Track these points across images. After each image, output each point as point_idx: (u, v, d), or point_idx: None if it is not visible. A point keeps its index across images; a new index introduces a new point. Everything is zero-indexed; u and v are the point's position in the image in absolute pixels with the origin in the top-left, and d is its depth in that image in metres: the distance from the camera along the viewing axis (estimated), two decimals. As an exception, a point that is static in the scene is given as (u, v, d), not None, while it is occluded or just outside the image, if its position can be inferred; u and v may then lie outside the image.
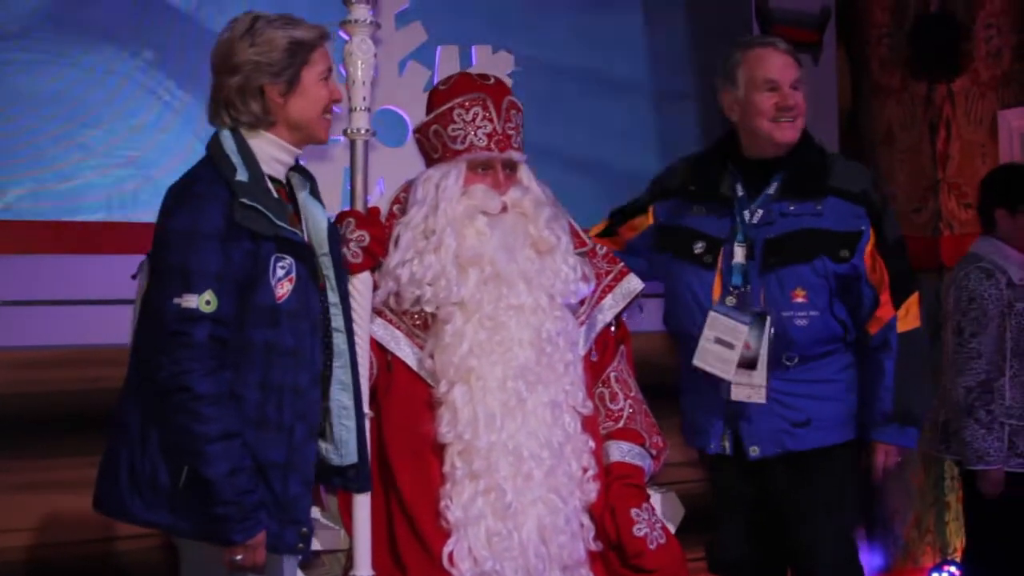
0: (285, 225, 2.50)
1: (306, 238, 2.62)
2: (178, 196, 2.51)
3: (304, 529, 2.55)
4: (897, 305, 3.26)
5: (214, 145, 2.56)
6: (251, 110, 2.55)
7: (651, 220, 3.44)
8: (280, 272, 2.50)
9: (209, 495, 2.40)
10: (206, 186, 2.48)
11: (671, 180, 3.45)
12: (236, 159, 2.50)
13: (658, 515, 2.93)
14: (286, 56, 2.54)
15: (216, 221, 2.43)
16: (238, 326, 2.46)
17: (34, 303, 3.78)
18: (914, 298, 3.30)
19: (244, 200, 2.44)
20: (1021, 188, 4.29)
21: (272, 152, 2.58)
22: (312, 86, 2.58)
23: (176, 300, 2.40)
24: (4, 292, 3.76)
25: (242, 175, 2.48)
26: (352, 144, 2.84)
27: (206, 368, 2.40)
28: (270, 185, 2.55)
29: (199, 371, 2.39)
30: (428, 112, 2.95)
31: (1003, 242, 4.26)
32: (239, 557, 2.43)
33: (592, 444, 2.84)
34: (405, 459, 2.79)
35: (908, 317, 3.27)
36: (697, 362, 3.21)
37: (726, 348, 3.18)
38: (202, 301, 2.40)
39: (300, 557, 2.66)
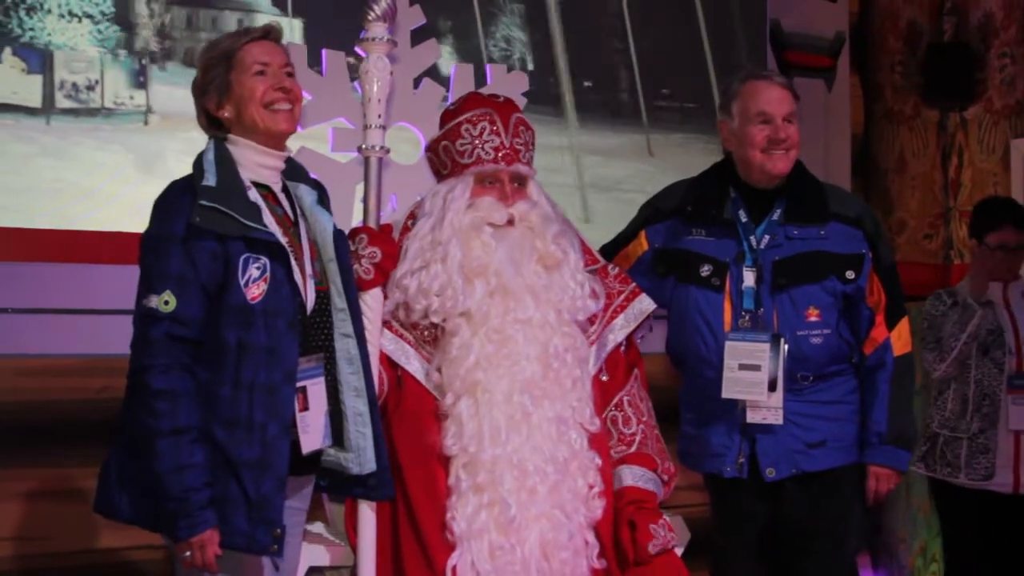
0: (255, 225, 2.55)
1: (306, 243, 2.67)
2: (154, 205, 2.62)
3: (277, 530, 2.55)
4: (891, 326, 3.32)
5: (198, 156, 2.65)
6: (212, 125, 2.69)
7: (645, 246, 3.45)
8: (255, 272, 2.55)
9: (157, 490, 2.46)
10: (175, 194, 2.59)
11: (666, 202, 3.46)
12: (210, 166, 2.59)
13: (674, 533, 2.91)
14: (210, 72, 2.67)
15: (178, 225, 2.52)
16: (212, 326, 2.52)
17: (40, 311, 3.80)
18: (905, 321, 3.37)
19: (203, 202, 2.52)
20: (982, 220, 4.41)
21: (252, 157, 2.66)
22: (243, 86, 2.65)
23: (143, 302, 2.52)
24: (10, 300, 3.77)
25: (210, 180, 2.57)
26: (366, 161, 2.87)
27: (161, 365, 2.48)
28: (252, 189, 2.62)
29: (154, 368, 2.48)
30: (440, 131, 2.96)
31: (974, 271, 4.40)
32: (187, 554, 2.48)
33: (599, 461, 2.83)
34: (414, 470, 2.79)
35: (901, 341, 3.34)
36: (727, 394, 3.22)
37: (752, 371, 3.19)
38: (160, 301, 2.50)
39: (280, 559, 2.65)
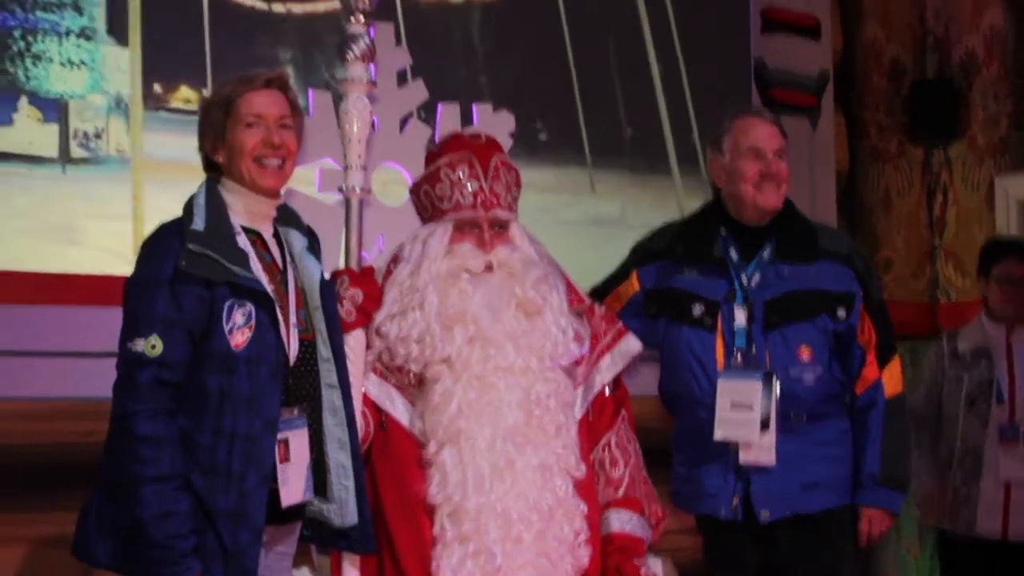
0: (242, 271, 2.54)
1: (292, 292, 2.66)
2: (142, 247, 2.61)
3: None
4: (882, 365, 3.33)
5: (189, 198, 2.65)
6: (209, 167, 2.70)
7: (636, 286, 3.45)
8: (240, 319, 2.54)
9: (140, 536, 2.43)
10: (163, 237, 2.58)
11: (657, 243, 3.48)
12: (199, 210, 2.59)
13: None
14: (210, 115, 2.67)
15: (166, 269, 2.50)
16: (194, 371, 2.50)
17: (28, 354, 3.77)
18: (896, 360, 3.38)
19: (190, 247, 2.51)
20: (987, 255, 4.47)
21: (243, 203, 2.66)
22: (235, 137, 2.65)
23: (128, 345, 2.49)
24: (-1, 342, 3.75)
25: (198, 224, 2.55)
26: (347, 201, 2.86)
27: (148, 410, 2.46)
28: (242, 235, 2.61)
29: (141, 413, 2.45)
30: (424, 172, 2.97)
31: (985, 310, 4.44)
32: None
33: (584, 508, 2.80)
34: (398, 519, 2.77)
35: (892, 380, 3.36)
36: (719, 435, 3.22)
37: (744, 411, 3.19)
38: (147, 345, 2.47)
39: None
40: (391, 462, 2.81)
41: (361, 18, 2.86)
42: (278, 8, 4.38)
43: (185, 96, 4.18)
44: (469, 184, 2.84)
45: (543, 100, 4.92)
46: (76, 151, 3.99)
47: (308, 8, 4.40)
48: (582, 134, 5.03)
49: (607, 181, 5.12)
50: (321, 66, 4.37)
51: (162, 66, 4.14)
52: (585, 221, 5.01)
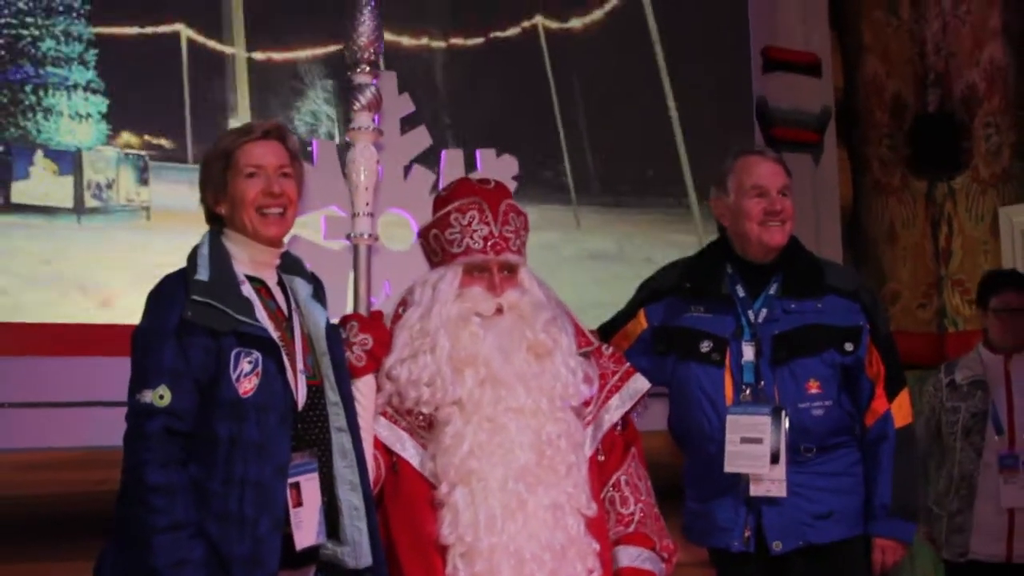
0: (247, 320, 2.56)
1: (298, 338, 2.68)
2: (148, 299, 2.62)
3: None
4: (891, 397, 3.34)
5: (193, 249, 2.67)
6: (211, 218, 2.72)
7: (644, 324, 3.47)
8: (247, 367, 2.55)
9: None
10: (168, 287, 2.59)
11: (664, 281, 3.50)
12: (203, 261, 2.61)
13: None
14: (210, 168, 2.70)
15: (171, 319, 2.52)
16: (204, 420, 2.51)
17: (38, 405, 3.79)
18: (905, 392, 3.39)
19: (195, 297, 2.53)
20: (985, 286, 4.55)
21: (246, 252, 2.68)
22: (236, 188, 2.68)
23: (137, 396, 2.50)
24: (8, 394, 3.77)
25: (202, 275, 2.57)
26: (355, 248, 2.89)
27: (158, 460, 2.46)
28: (246, 284, 2.63)
29: (151, 463, 2.46)
30: (432, 216, 2.99)
31: (984, 341, 4.51)
32: None
33: (596, 546, 2.80)
34: (411, 560, 2.77)
35: (902, 412, 3.36)
36: (730, 468, 3.23)
37: (754, 444, 3.20)
38: (156, 396, 2.48)
39: None
40: (403, 504, 2.81)
41: (367, 68, 2.90)
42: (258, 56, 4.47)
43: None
44: (480, 229, 2.86)
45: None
46: (90, 201, 4.05)
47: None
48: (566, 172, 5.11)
49: (592, 217, 5.18)
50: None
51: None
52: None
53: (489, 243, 2.86)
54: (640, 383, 3.03)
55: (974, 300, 4.75)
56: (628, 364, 3.07)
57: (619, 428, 3.00)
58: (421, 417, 2.82)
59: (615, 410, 2.98)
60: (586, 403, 2.92)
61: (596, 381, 2.95)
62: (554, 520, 2.73)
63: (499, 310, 2.83)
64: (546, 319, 2.86)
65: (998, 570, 4.38)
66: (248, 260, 2.68)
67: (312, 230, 4.01)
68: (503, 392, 2.77)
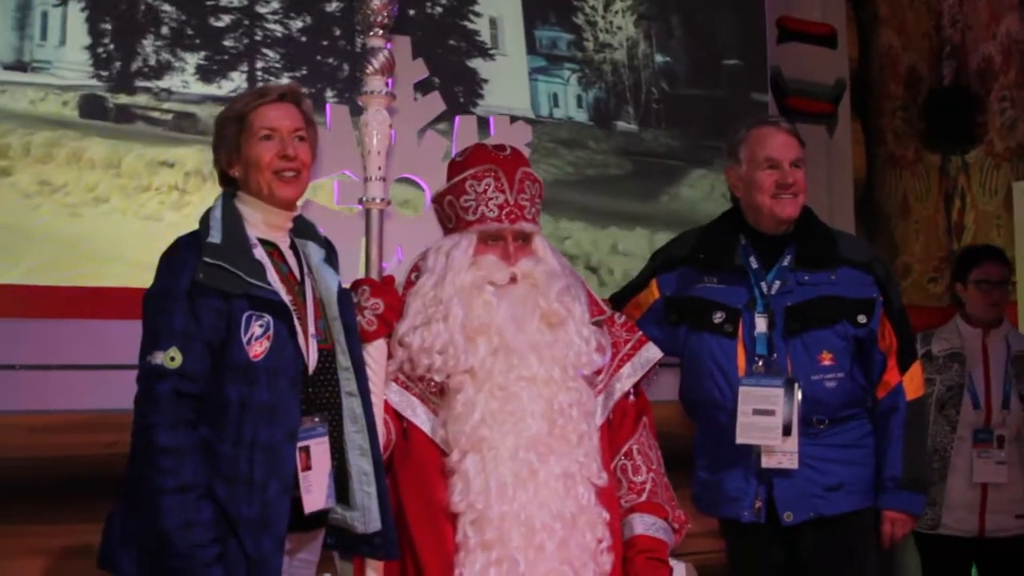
0: (258, 283, 2.56)
1: (310, 302, 2.67)
2: (160, 261, 2.62)
3: None
4: (903, 370, 3.35)
5: (205, 212, 2.66)
6: (225, 181, 2.71)
7: (656, 294, 3.46)
8: (258, 330, 2.55)
9: (163, 547, 2.44)
10: (181, 250, 2.59)
11: (678, 250, 3.48)
12: (216, 223, 2.60)
13: None
14: (224, 130, 2.69)
15: (183, 282, 2.52)
16: (215, 383, 2.52)
17: (50, 367, 3.80)
18: (917, 365, 3.40)
19: (207, 259, 2.52)
20: (964, 260, 4.52)
21: (260, 215, 2.68)
22: (251, 150, 2.67)
23: (148, 358, 2.51)
24: (20, 356, 3.78)
25: (215, 237, 2.57)
26: (367, 213, 2.88)
27: (168, 422, 2.47)
28: (258, 247, 2.63)
29: (161, 424, 2.46)
30: (447, 182, 2.97)
31: (962, 314, 4.50)
32: None
33: (607, 516, 2.80)
34: (421, 527, 2.77)
35: (913, 384, 3.36)
36: (742, 439, 3.23)
37: (766, 416, 3.20)
38: (167, 357, 2.49)
39: None
40: (413, 470, 2.81)
41: (380, 32, 2.88)
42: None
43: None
44: (495, 197, 2.84)
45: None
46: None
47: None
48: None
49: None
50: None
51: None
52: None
53: (504, 211, 2.84)
54: (652, 352, 3.02)
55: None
56: (640, 333, 3.06)
57: (631, 397, 2.99)
58: (433, 384, 2.82)
59: (627, 379, 2.97)
60: (597, 371, 2.91)
61: (608, 350, 2.94)
62: (565, 489, 2.73)
63: (513, 279, 2.82)
64: (559, 288, 2.85)
65: (969, 544, 4.39)
66: (261, 223, 2.68)
67: (325, 195, 4.00)
68: (515, 361, 2.76)
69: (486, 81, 5.13)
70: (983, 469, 4.31)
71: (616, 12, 5.42)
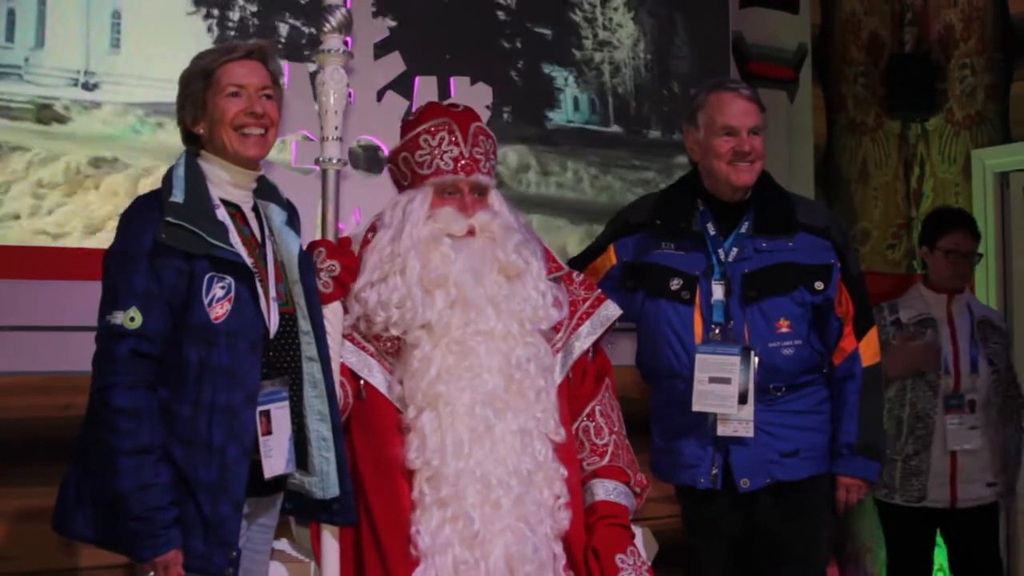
0: (220, 244, 2.53)
1: (271, 265, 2.65)
2: (120, 220, 2.59)
3: (234, 552, 2.53)
4: (859, 336, 3.35)
5: (168, 170, 2.63)
6: (188, 140, 2.68)
7: (613, 260, 3.45)
8: (220, 292, 2.53)
9: (119, 509, 2.43)
10: (140, 209, 2.56)
11: (634, 216, 3.47)
12: (179, 182, 2.57)
13: (643, 558, 2.88)
14: (189, 87, 2.66)
15: (144, 241, 2.49)
16: (174, 344, 2.50)
17: (4, 329, 3.75)
18: (873, 331, 3.40)
19: (169, 219, 2.50)
20: (934, 225, 4.47)
21: (223, 175, 2.65)
22: (216, 107, 2.64)
23: (108, 318, 2.48)
24: (-30, 318, 3.73)
25: (177, 196, 2.54)
26: (324, 173, 2.84)
27: (126, 383, 2.45)
28: (221, 208, 2.60)
29: (119, 385, 2.45)
30: (400, 140, 2.95)
31: (924, 280, 4.46)
32: (151, 574, 2.44)
33: (564, 472, 2.80)
34: (376, 484, 2.76)
35: (869, 351, 3.37)
36: (698, 407, 3.23)
37: (722, 384, 3.20)
38: (126, 317, 2.47)
39: None
40: (369, 429, 2.80)
41: (336, -12, 2.84)
42: None
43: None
44: (450, 149, 2.83)
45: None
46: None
47: None
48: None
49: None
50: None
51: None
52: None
53: (460, 163, 2.83)
54: (611, 310, 3.01)
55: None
56: (599, 291, 3.05)
57: (590, 355, 2.99)
58: (389, 343, 2.80)
59: (586, 337, 2.97)
60: (556, 329, 2.90)
61: (566, 306, 2.93)
62: (521, 445, 2.73)
63: (471, 231, 2.81)
64: (517, 241, 2.84)
65: (936, 515, 4.38)
66: (225, 182, 2.65)
67: (284, 155, 3.97)
68: (473, 315, 2.75)
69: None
70: (956, 435, 4.29)
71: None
